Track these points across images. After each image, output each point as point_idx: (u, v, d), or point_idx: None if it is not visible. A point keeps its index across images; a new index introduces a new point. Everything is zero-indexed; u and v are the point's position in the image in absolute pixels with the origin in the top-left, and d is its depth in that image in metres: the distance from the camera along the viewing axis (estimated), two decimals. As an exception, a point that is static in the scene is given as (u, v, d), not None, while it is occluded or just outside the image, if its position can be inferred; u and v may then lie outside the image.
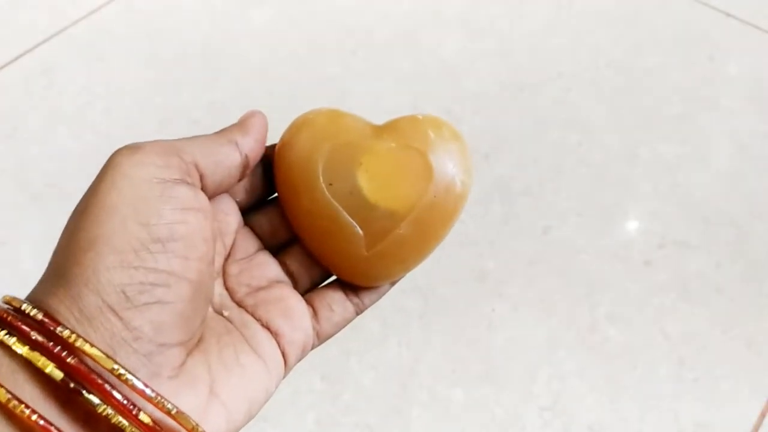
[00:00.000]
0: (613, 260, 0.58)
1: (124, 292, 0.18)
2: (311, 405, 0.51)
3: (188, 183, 0.20)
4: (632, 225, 0.61)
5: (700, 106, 0.70)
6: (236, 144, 0.22)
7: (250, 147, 0.23)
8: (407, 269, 0.24)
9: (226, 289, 0.23)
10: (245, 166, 0.23)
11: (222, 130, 0.23)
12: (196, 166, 0.21)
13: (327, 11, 0.81)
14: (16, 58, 0.75)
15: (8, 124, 0.69)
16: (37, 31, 0.77)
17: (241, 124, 0.23)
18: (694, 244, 0.59)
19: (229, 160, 0.22)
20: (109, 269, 0.18)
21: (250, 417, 0.21)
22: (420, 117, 0.24)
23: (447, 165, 0.23)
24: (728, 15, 0.78)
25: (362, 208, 0.23)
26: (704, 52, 0.75)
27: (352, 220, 0.23)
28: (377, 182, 0.23)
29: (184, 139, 0.21)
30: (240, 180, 0.23)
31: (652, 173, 0.64)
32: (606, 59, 0.74)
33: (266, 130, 0.24)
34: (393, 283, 0.25)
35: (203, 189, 0.21)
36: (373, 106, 0.70)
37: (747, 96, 0.70)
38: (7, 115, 0.70)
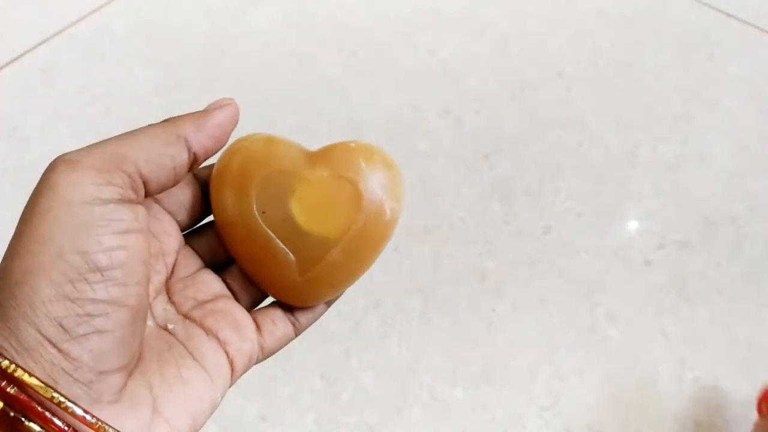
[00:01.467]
0: (613, 260, 0.58)
1: (61, 325, 0.17)
2: (311, 405, 0.51)
3: (129, 202, 0.19)
4: (632, 225, 0.61)
5: (700, 106, 0.70)
6: (185, 140, 0.20)
7: (200, 144, 0.21)
8: (339, 292, 0.25)
9: (172, 303, 0.23)
10: (193, 162, 0.21)
11: (173, 121, 0.21)
12: (140, 174, 0.19)
13: (327, 11, 0.81)
14: (16, 58, 0.75)
15: (8, 124, 0.69)
16: (37, 31, 0.77)
17: (198, 116, 0.21)
18: (694, 244, 0.59)
19: (174, 162, 0.20)
20: (45, 303, 0.17)
21: (195, 430, 0.21)
22: (353, 145, 0.24)
23: (377, 193, 0.24)
24: (728, 15, 0.78)
25: (295, 235, 0.23)
26: (704, 52, 0.75)
27: (284, 247, 0.23)
28: (310, 210, 0.24)
29: (128, 139, 0.20)
30: (189, 171, 0.22)
31: (652, 173, 0.64)
32: (606, 59, 0.74)
33: (231, 124, 0.22)
34: (329, 304, 0.26)
35: (147, 192, 0.20)
36: (373, 106, 0.70)
37: (747, 96, 0.70)
38: (7, 115, 0.70)
